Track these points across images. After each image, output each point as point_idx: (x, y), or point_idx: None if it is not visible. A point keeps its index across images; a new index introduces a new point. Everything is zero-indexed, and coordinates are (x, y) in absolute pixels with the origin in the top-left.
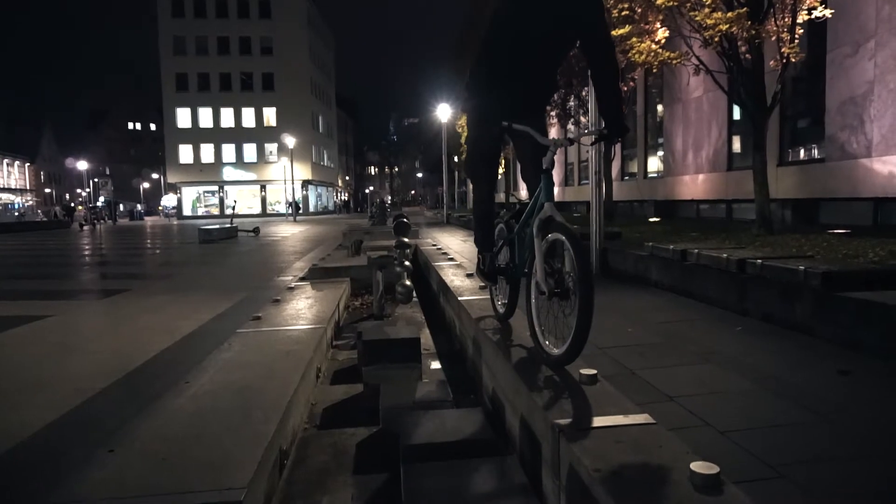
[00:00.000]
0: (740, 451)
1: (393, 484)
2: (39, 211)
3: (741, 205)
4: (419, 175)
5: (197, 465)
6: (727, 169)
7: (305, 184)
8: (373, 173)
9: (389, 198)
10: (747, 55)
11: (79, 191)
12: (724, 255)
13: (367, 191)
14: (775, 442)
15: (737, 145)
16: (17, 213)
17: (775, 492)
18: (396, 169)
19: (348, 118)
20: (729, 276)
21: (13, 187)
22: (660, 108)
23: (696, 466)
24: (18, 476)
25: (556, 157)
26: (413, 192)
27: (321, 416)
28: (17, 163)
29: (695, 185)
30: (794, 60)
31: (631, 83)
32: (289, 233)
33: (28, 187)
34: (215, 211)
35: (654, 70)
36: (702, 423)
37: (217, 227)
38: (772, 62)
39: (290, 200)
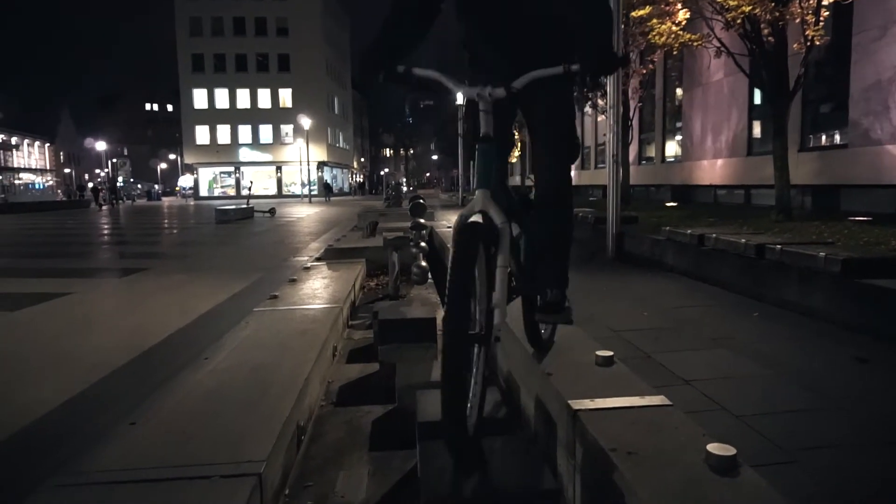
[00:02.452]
0: (755, 435)
1: (408, 460)
2: (59, 191)
3: (760, 191)
4: (434, 157)
5: (216, 439)
6: (746, 154)
7: (321, 165)
8: (388, 155)
9: (404, 180)
10: (770, 38)
11: (97, 171)
12: (743, 241)
13: (381, 173)
14: (790, 427)
15: (757, 130)
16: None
17: (790, 476)
18: (411, 151)
19: (363, 99)
20: (746, 261)
21: (34, 167)
22: (679, 91)
23: (713, 448)
24: (43, 446)
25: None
26: (428, 174)
27: (337, 394)
28: (37, 143)
29: (713, 170)
30: (818, 43)
31: (650, 66)
32: (304, 214)
33: (48, 167)
34: (231, 192)
35: (675, 52)
36: (717, 407)
37: (233, 207)
38: (795, 45)
39: (321, 180)
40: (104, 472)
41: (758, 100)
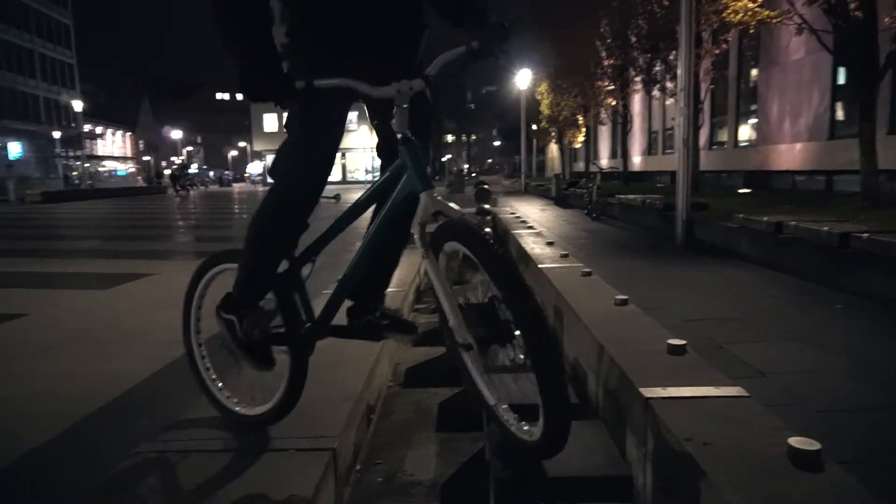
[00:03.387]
0: (837, 431)
1: (476, 442)
2: (139, 177)
3: (843, 176)
4: (496, 143)
5: (293, 415)
6: (828, 137)
7: None
8: (449, 141)
9: (466, 166)
10: (857, 12)
11: (173, 158)
12: (825, 229)
13: (443, 159)
14: (876, 425)
15: (840, 112)
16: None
17: (873, 475)
18: (473, 137)
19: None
20: (829, 250)
21: (116, 155)
22: (754, 72)
23: (795, 442)
24: (129, 416)
25: (637, 125)
26: (490, 160)
27: (404, 376)
28: (119, 132)
29: (791, 155)
30: None
31: (724, 45)
32: None
33: (129, 155)
34: None
35: (751, 31)
36: (795, 401)
37: None
38: (886, 19)
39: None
40: (187, 441)
41: (842, 79)
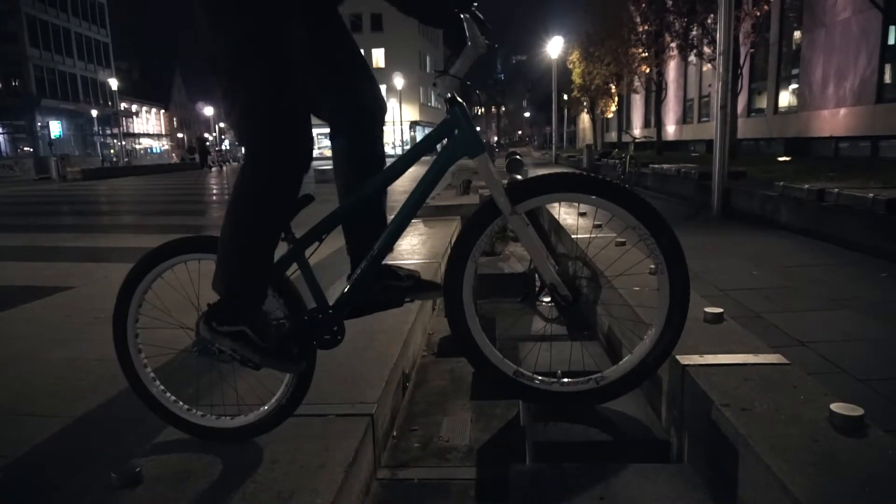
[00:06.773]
0: (882, 399)
1: (510, 409)
2: (174, 154)
3: (891, 142)
4: (526, 115)
5: (332, 381)
6: (875, 101)
7: (413, 125)
8: (479, 113)
9: (496, 138)
10: None
11: (206, 135)
12: (870, 195)
13: None
14: None
15: (889, 74)
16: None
17: None
18: (503, 108)
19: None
20: (875, 218)
21: (151, 132)
22: (797, 34)
23: (837, 407)
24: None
25: (672, 92)
26: (520, 132)
27: (438, 345)
28: (153, 110)
29: (834, 121)
30: None
31: (765, 7)
32: None
33: (163, 132)
34: (328, 153)
35: None
36: (837, 370)
37: (331, 167)
38: None
39: (414, 141)
40: (233, 405)
41: (893, 39)
